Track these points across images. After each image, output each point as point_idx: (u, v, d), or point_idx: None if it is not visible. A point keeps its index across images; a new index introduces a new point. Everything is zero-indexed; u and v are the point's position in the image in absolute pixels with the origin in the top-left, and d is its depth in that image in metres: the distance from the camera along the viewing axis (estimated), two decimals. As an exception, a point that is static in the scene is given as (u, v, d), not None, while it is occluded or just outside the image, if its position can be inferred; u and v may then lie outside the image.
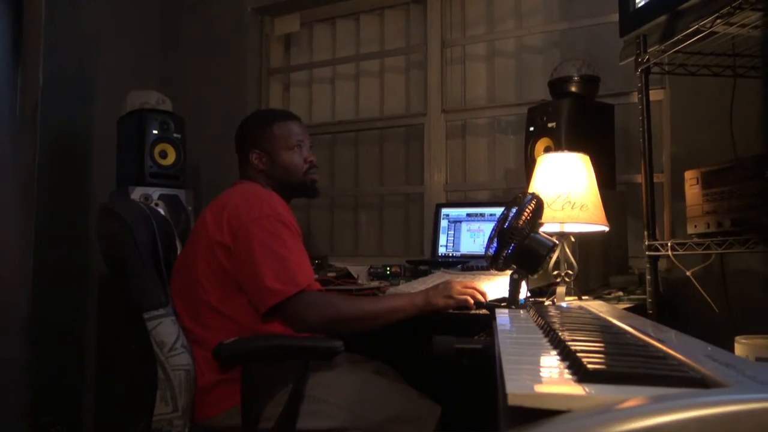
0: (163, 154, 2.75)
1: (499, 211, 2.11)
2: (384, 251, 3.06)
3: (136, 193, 2.64)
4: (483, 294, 1.74)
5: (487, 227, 2.49)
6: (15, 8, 2.74)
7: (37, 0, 2.74)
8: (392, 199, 3.10)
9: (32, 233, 2.68)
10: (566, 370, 0.65)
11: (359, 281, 2.35)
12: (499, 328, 1.04)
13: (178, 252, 1.89)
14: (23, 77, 2.75)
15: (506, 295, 1.60)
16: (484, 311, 1.72)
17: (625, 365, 0.64)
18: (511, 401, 0.54)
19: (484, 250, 1.63)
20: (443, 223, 2.62)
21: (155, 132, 2.73)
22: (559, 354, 0.75)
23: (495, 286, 1.79)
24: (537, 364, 0.73)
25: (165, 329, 1.58)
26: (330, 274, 2.48)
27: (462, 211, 2.60)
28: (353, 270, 2.47)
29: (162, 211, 2.37)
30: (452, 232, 2.59)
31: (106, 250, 1.66)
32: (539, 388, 0.58)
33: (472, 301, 1.72)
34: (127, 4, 3.32)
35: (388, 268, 2.43)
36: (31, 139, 2.73)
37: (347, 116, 3.19)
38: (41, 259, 2.68)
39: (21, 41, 2.74)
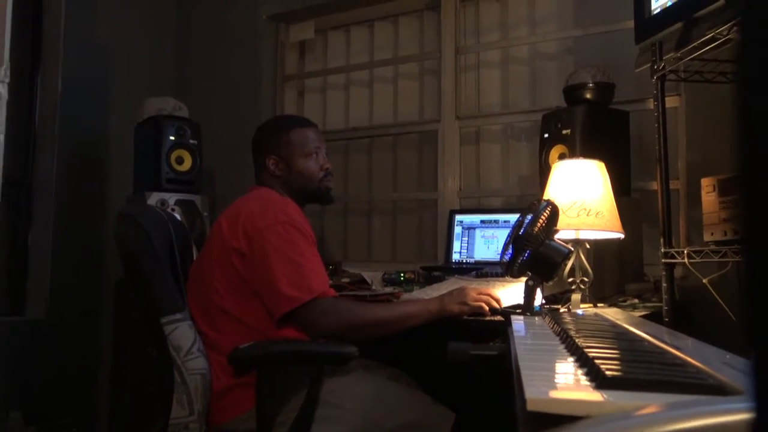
0: (180, 160, 2.77)
1: (512, 217, 2.11)
2: (397, 257, 3.06)
3: (153, 199, 2.65)
4: (498, 300, 1.74)
5: (501, 234, 2.48)
6: (34, 15, 2.78)
7: (57, 7, 2.78)
8: (405, 205, 3.11)
9: (50, 237, 2.72)
10: (584, 377, 0.66)
11: (373, 287, 2.35)
12: (515, 334, 1.04)
13: (195, 257, 1.91)
14: (42, 83, 2.80)
15: (521, 301, 1.60)
16: (499, 318, 1.72)
17: (643, 372, 0.64)
18: (530, 407, 0.54)
19: (497, 256, 1.64)
20: (457, 229, 2.62)
21: (172, 138, 2.75)
22: (576, 360, 0.75)
23: (510, 292, 1.79)
24: (554, 370, 0.74)
25: (182, 333, 1.59)
26: (344, 280, 2.48)
27: (476, 218, 2.60)
28: (367, 276, 2.48)
29: (178, 217, 2.39)
30: (466, 238, 2.59)
31: (123, 254, 1.67)
32: (558, 394, 0.59)
33: (487, 308, 1.72)
34: (144, 11, 3.36)
35: (401, 274, 2.43)
36: (49, 144, 2.77)
37: (361, 122, 3.20)
38: (58, 263, 2.72)
39: (40, 48, 2.78)
